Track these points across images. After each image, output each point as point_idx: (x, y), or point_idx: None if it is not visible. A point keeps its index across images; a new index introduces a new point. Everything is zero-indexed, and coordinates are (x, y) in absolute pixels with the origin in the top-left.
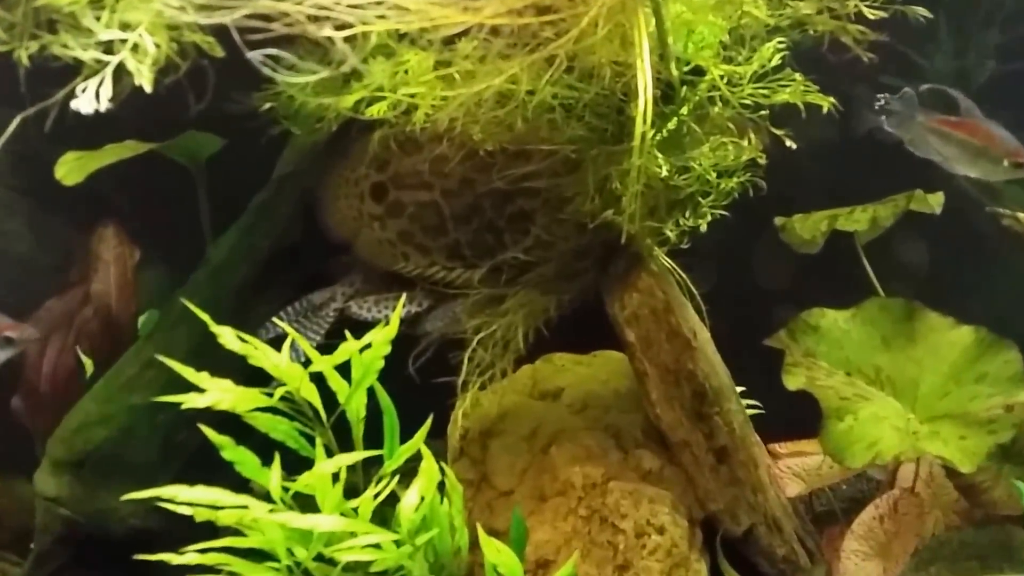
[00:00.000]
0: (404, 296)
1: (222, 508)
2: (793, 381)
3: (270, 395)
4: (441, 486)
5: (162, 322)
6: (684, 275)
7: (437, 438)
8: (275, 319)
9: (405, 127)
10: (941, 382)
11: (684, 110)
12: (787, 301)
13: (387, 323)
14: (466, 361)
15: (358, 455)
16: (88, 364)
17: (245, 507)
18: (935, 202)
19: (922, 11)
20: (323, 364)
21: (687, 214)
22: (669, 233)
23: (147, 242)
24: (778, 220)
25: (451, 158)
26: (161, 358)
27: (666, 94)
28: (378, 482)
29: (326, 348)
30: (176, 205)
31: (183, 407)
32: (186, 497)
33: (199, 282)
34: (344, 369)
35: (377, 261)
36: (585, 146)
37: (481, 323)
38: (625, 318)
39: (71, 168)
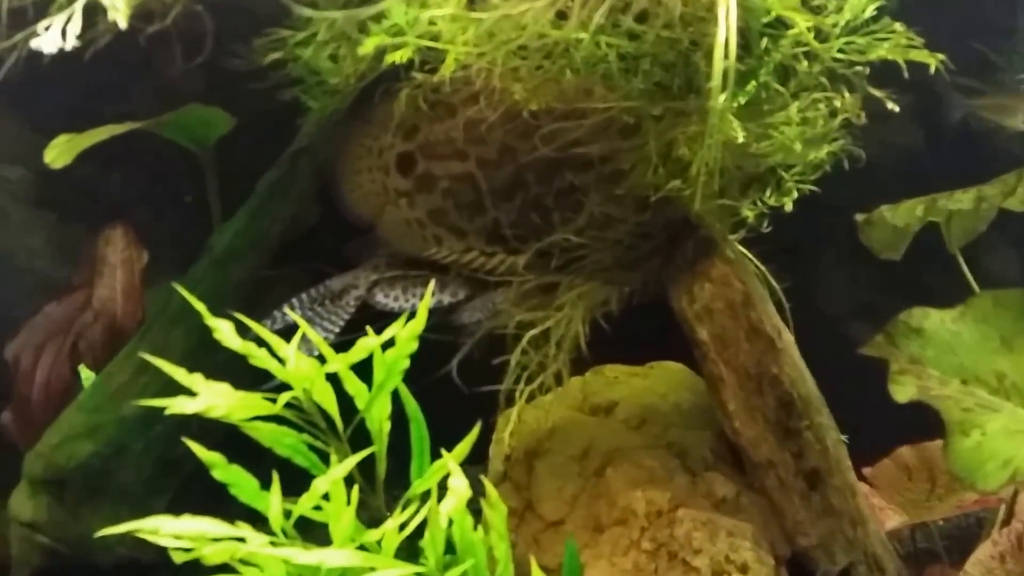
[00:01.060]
0: (434, 283)
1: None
2: (902, 392)
3: (273, 401)
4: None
5: (157, 321)
6: (763, 267)
7: (476, 463)
8: (286, 307)
9: (434, 85)
10: None
11: (764, 69)
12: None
13: (415, 314)
14: (513, 364)
15: (354, 459)
16: (89, 376)
17: (242, 539)
18: None
19: None
20: (338, 363)
21: (768, 191)
22: (747, 213)
23: (149, 244)
24: (859, 216)
25: (489, 122)
26: (150, 358)
27: (744, 47)
28: (404, 507)
29: (345, 346)
30: (180, 197)
31: (168, 413)
32: (171, 530)
33: (199, 274)
34: (365, 371)
35: (404, 245)
36: (646, 105)
37: (530, 318)
38: (695, 313)
39: (60, 151)
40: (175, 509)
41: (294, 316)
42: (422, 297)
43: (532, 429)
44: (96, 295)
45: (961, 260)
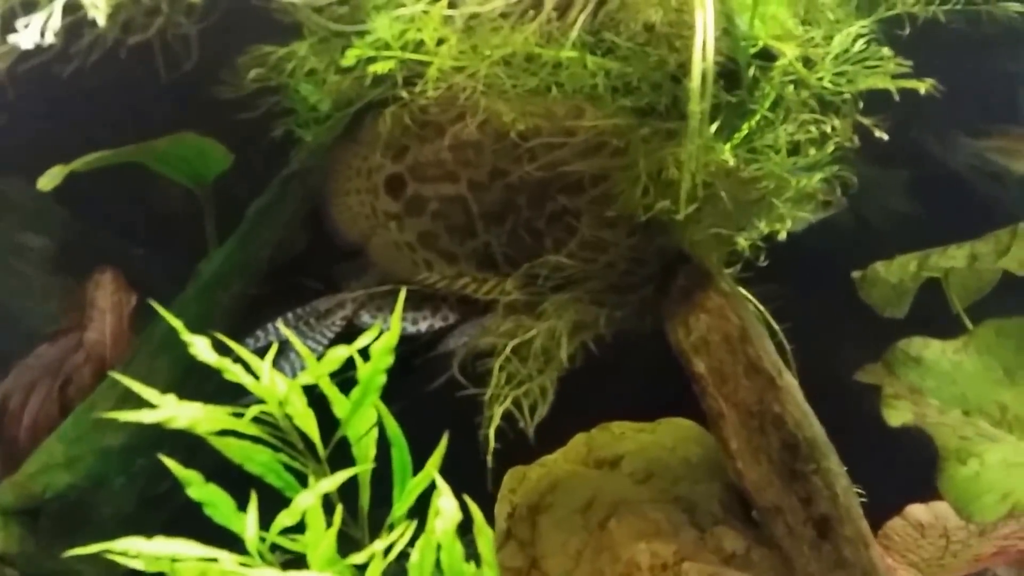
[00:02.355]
0: (426, 307)
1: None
2: (896, 416)
3: (241, 415)
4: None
5: (142, 351)
6: (762, 306)
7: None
8: (270, 325)
9: (422, 106)
10: None
11: (755, 98)
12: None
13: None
14: (496, 372)
15: (335, 477)
16: None
17: (214, 559)
18: None
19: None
20: (313, 374)
21: (760, 219)
22: (741, 242)
23: (143, 288)
24: (856, 273)
25: (478, 143)
26: (122, 379)
27: (731, 77)
28: (388, 531)
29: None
30: (178, 239)
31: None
32: (142, 551)
33: (186, 300)
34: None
35: (394, 269)
36: (634, 125)
37: (515, 327)
38: (692, 344)
39: (51, 177)
40: None
41: (284, 330)
42: (411, 321)
43: (535, 485)
44: (86, 338)
45: (966, 320)
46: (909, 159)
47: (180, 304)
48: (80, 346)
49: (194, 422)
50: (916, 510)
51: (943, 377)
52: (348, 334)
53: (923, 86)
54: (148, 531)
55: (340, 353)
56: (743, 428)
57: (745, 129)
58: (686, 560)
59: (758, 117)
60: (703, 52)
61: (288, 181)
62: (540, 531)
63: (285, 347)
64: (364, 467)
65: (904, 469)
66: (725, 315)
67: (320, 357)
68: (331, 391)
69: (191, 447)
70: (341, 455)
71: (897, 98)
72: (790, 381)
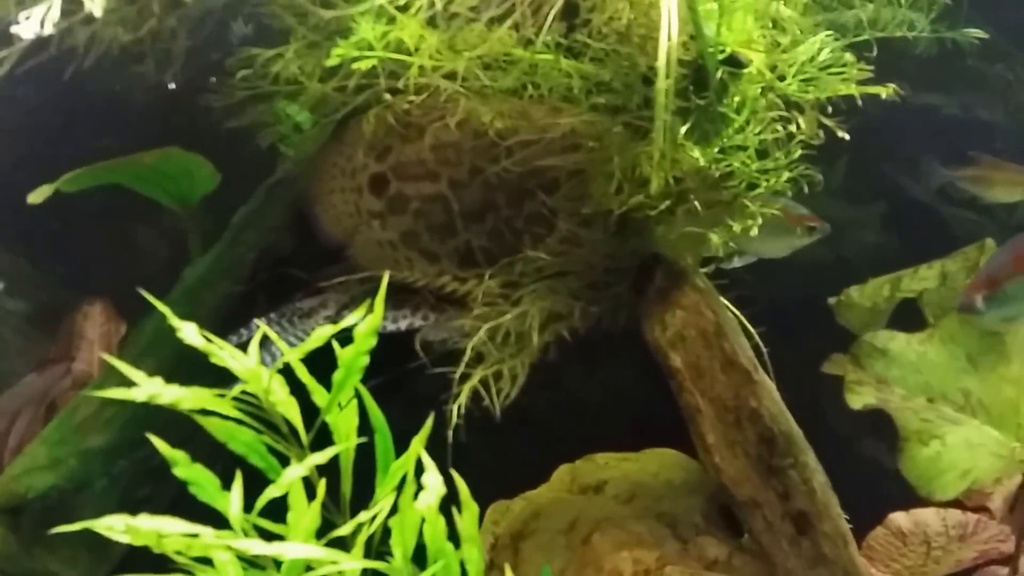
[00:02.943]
0: (407, 305)
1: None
2: (858, 400)
3: (223, 396)
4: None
5: (127, 352)
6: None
7: None
8: (257, 320)
9: (405, 108)
10: None
11: (724, 102)
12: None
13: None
14: (468, 351)
15: (317, 456)
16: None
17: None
18: None
19: None
20: (291, 356)
21: (732, 217)
22: (714, 240)
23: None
24: (832, 299)
25: (458, 143)
26: (111, 359)
27: (700, 81)
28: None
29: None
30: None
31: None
32: (126, 527)
33: (172, 302)
34: None
35: (377, 267)
36: (607, 121)
37: (490, 312)
38: (668, 340)
39: (40, 194)
40: (139, 554)
41: (264, 328)
42: (392, 320)
43: (518, 515)
44: (74, 368)
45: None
46: (883, 192)
47: (166, 305)
48: (68, 374)
49: (178, 399)
50: (897, 518)
51: (908, 367)
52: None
53: (885, 91)
54: None
55: (323, 333)
56: (719, 422)
57: (714, 131)
58: (668, 565)
59: (728, 120)
60: (667, 54)
61: (273, 188)
62: (523, 556)
63: (267, 343)
64: (346, 445)
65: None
66: (700, 311)
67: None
68: (307, 378)
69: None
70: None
71: (860, 103)
72: (765, 378)
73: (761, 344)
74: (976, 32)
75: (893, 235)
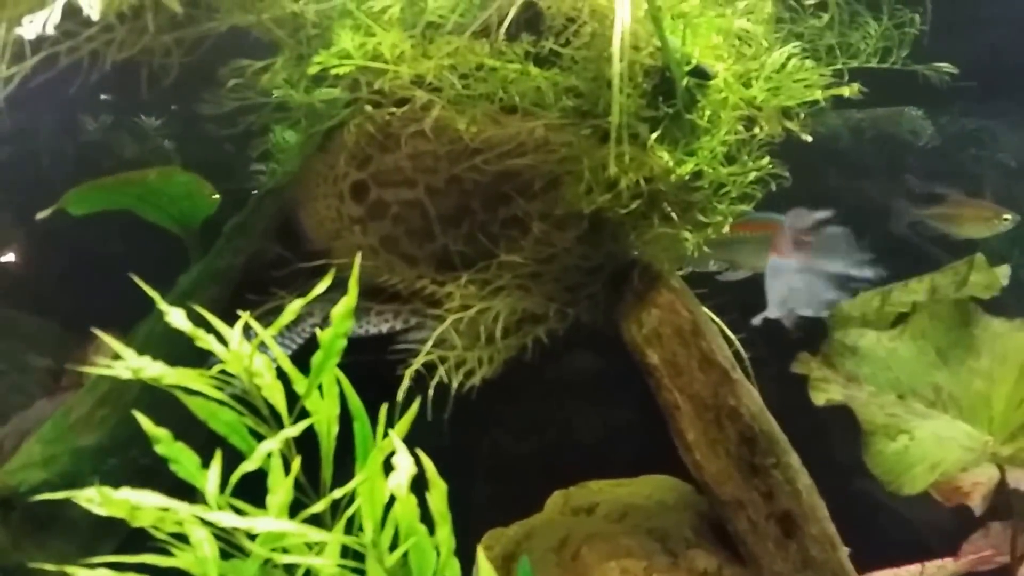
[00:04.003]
0: (388, 311)
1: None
2: (822, 396)
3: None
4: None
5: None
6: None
7: None
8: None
9: (385, 120)
10: (1018, 394)
11: (692, 109)
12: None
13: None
14: (432, 339)
15: (293, 429)
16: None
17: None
18: (1001, 274)
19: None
20: (266, 334)
21: (704, 217)
22: (688, 240)
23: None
24: (825, 312)
25: (435, 151)
26: (104, 335)
27: (667, 92)
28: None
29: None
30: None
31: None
32: (100, 497)
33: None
34: None
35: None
36: (576, 124)
37: (460, 306)
38: (644, 337)
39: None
40: (127, 551)
41: (258, 328)
42: (375, 325)
43: (511, 537)
44: None
45: None
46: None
47: (157, 313)
48: None
49: (161, 375)
50: None
51: (878, 363)
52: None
53: (848, 91)
54: (117, 533)
55: (293, 306)
56: (699, 420)
57: (683, 137)
58: (656, 574)
59: (696, 126)
60: (620, 62)
61: (263, 198)
62: (515, 575)
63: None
64: (326, 446)
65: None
66: (676, 309)
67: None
68: (287, 364)
69: None
70: (312, 437)
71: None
72: (744, 378)
73: (742, 349)
74: (945, 66)
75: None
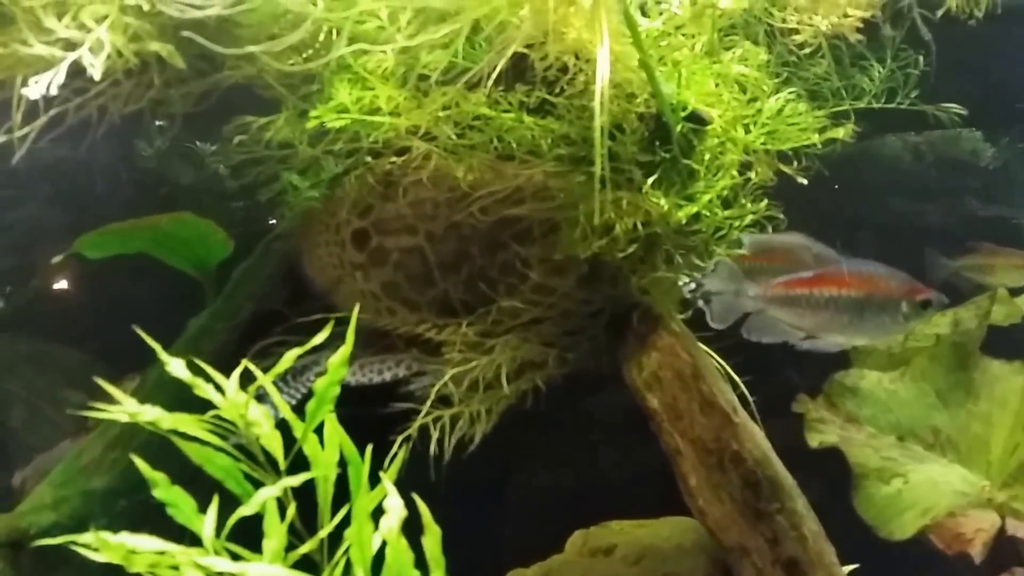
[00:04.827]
0: (391, 358)
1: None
2: (818, 438)
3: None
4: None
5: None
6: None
7: None
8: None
9: (385, 170)
10: (1014, 438)
11: (689, 154)
12: None
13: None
14: (433, 393)
15: (291, 480)
16: None
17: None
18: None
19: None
20: (265, 379)
21: (701, 261)
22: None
23: None
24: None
25: (434, 199)
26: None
27: (663, 137)
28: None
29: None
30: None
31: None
32: (97, 541)
33: (175, 351)
34: None
35: (360, 315)
36: (572, 172)
37: (462, 359)
38: (644, 381)
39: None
40: None
41: (264, 381)
42: (378, 372)
43: None
44: None
45: None
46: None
47: (170, 353)
48: None
49: (158, 419)
50: None
51: (879, 405)
52: None
53: (843, 133)
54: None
55: (292, 353)
56: (701, 465)
57: (680, 182)
58: None
59: (692, 171)
60: (601, 108)
61: (271, 243)
62: None
63: (262, 399)
64: (323, 494)
65: None
66: (676, 352)
67: (294, 410)
68: (285, 409)
69: None
70: (308, 484)
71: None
72: (749, 420)
73: (747, 393)
74: (953, 107)
75: None
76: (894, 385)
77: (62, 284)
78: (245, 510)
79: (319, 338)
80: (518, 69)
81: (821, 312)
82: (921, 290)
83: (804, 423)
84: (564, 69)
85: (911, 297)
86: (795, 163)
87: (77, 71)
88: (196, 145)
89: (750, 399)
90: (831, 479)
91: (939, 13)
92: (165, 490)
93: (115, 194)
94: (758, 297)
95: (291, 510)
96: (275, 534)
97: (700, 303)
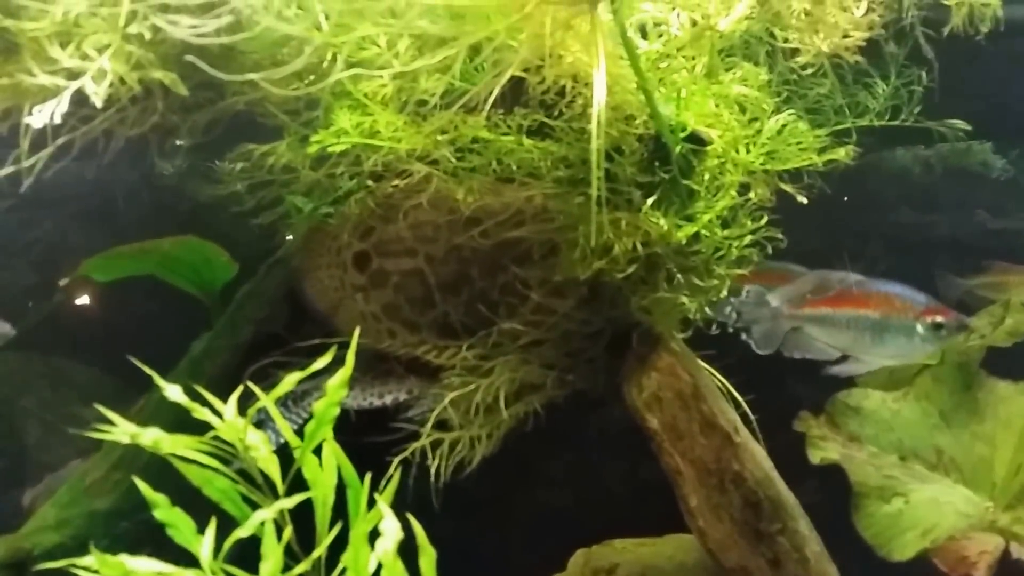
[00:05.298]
0: (392, 381)
1: None
2: (819, 454)
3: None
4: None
5: (135, 421)
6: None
7: None
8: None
9: (386, 193)
10: (1018, 459)
11: (689, 175)
12: None
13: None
14: (432, 417)
15: (287, 501)
16: None
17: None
18: None
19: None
20: (266, 400)
21: (701, 281)
22: (688, 305)
23: None
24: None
25: (435, 221)
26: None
27: (662, 158)
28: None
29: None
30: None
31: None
32: (97, 560)
33: (177, 374)
34: None
35: (361, 337)
36: (571, 193)
37: (460, 383)
38: (644, 401)
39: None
40: None
41: (270, 408)
42: (379, 396)
43: None
44: None
45: None
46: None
47: (171, 377)
48: None
49: (157, 441)
50: None
51: (881, 424)
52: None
53: (843, 154)
54: None
55: (294, 377)
56: (702, 486)
57: (680, 202)
58: None
59: (692, 192)
60: (608, 129)
61: (272, 266)
62: None
63: (265, 424)
64: (321, 515)
65: None
66: (676, 373)
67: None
68: (287, 430)
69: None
70: (306, 506)
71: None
72: (749, 439)
73: (749, 412)
74: (958, 123)
75: None
76: (897, 404)
77: (79, 302)
78: (242, 532)
79: (320, 363)
80: (516, 92)
81: (844, 332)
82: (937, 311)
83: (806, 440)
84: (562, 92)
85: (925, 319)
86: (803, 179)
87: (84, 98)
88: (216, 164)
89: (752, 418)
90: (833, 497)
91: (945, 30)
92: (166, 511)
93: (136, 213)
94: (793, 317)
95: (287, 532)
96: (272, 556)
97: (743, 335)
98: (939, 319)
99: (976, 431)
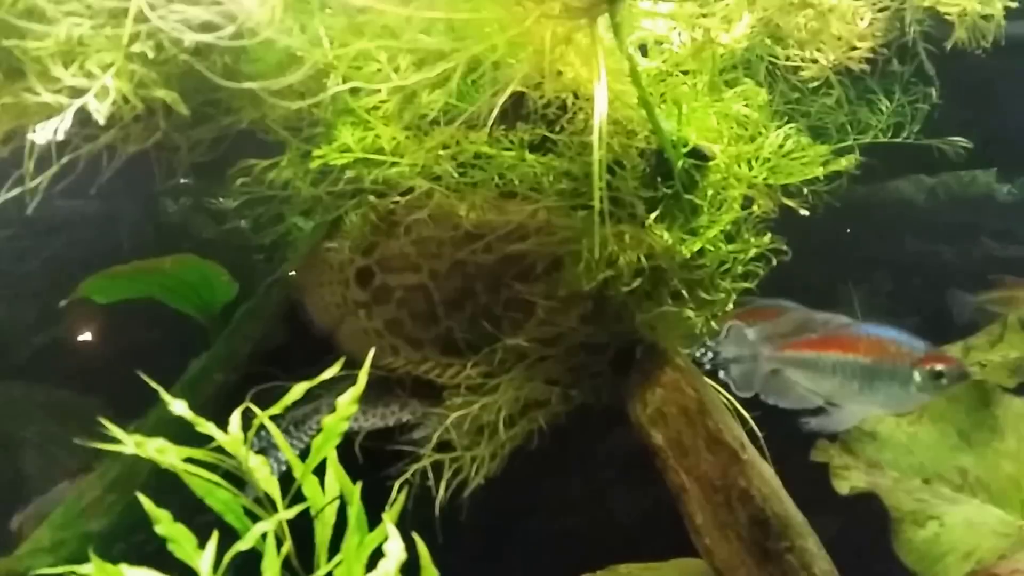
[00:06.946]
0: (395, 402)
1: None
2: (846, 484)
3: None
4: None
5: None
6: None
7: None
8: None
9: (389, 208)
10: None
11: (692, 189)
12: None
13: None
14: (434, 438)
15: (287, 513)
16: None
17: None
18: None
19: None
20: (263, 416)
21: (706, 295)
22: (694, 320)
23: None
24: None
25: (438, 237)
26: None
27: (664, 174)
28: None
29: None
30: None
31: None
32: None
33: (175, 391)
34: None
35: (363, 354)
36: (574, 207)
37: (463, 402)
38: (649, 417)
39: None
40: None
41: (274, 432)
42: (382, 417)
43: None
44: None
45: None
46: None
47: (170, 395)
48: None
49: (160, 450)
50: None
51: (900, 448)
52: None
53: (845, 164)
54: None
55: (297, 389)
56: (708, 503)
57: (683, 217)
58: None
59: (695, 206)
60: (608, 144)
61: (272, 284)
62: None
63: (267, 450)
64: (322, 532)
65: None
66: (681, 388)
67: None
68: (287, 449)
69: None
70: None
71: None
72: (757, 457)
73: (756, 429)
74: (960, 140)
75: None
76: (913, 427)
77: (77, 330)
78: (242, 545)
79: (322, 376)
80: (518, 107)
81: (830, 378)
82: (938, 359)
83: (830, 471)
84: (564, 107)
85: (924, 366)
86: (807, 199)
87: (87, 118)
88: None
89: (759, 435)
90: (865, 526)
91: (947, 46)
92: (168, 527)
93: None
94: (773, 358)
95: (287, 546)
96: (272, 572)
97: (720, 373)
98: (939, 367)
99: (999, 449)
